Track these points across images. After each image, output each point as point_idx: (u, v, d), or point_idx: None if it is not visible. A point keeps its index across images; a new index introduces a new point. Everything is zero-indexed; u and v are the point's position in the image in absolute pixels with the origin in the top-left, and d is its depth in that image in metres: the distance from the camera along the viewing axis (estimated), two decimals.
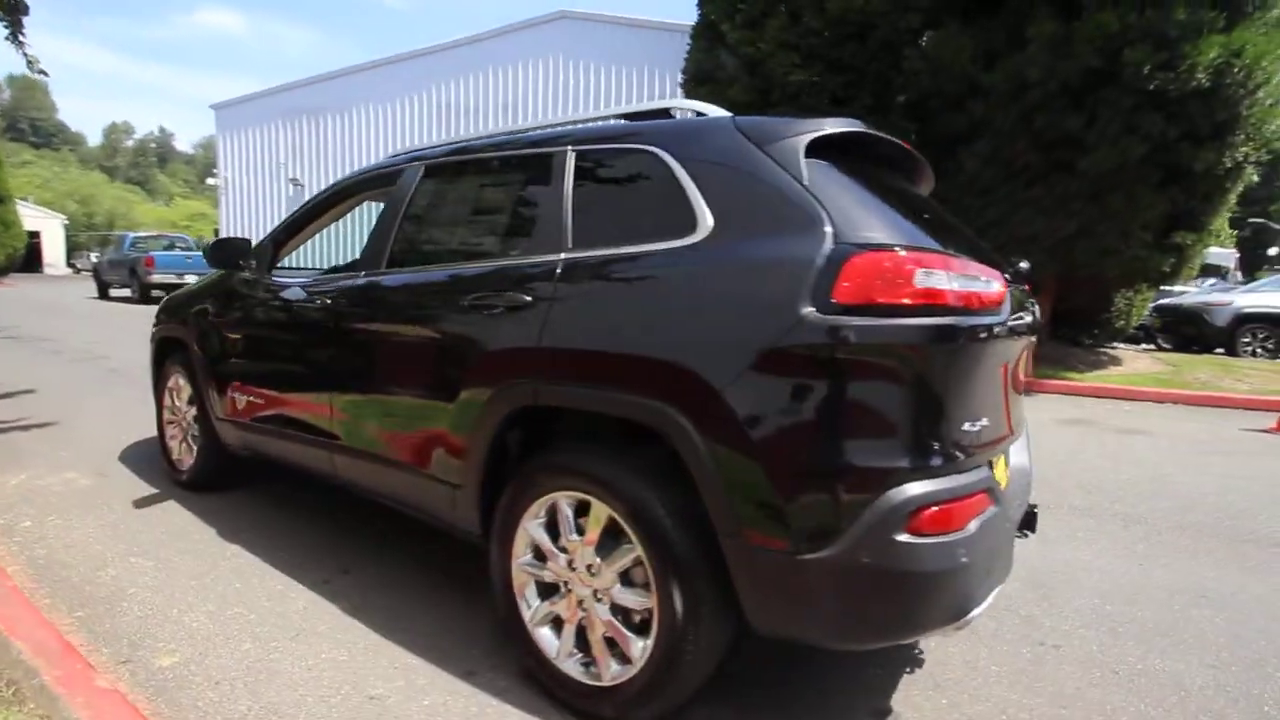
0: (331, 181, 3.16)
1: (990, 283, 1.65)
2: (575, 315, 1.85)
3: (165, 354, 3.74)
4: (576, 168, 2.07)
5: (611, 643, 1.80)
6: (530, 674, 1.97)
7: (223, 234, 23.71)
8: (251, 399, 3.02)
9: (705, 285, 1.66)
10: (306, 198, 3.20)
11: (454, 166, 2.52)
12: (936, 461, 1.52)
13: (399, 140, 19.51)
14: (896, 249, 1.54)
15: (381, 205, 3.71)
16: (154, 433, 4.47)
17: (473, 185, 2.46)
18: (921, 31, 7.80)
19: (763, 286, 1.58)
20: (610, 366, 1.76)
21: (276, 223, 3.32)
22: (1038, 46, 7.12)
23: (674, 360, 1.63)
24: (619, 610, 1.79)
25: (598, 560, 1.79)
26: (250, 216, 22.69)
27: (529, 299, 1.95)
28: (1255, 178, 8.17)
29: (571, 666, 1.87)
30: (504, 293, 2.01)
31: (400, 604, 2.42)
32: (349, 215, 3.31)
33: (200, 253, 17.82)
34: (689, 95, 10.11)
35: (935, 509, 1.49)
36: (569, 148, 2.11)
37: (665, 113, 2.20)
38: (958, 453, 1.57)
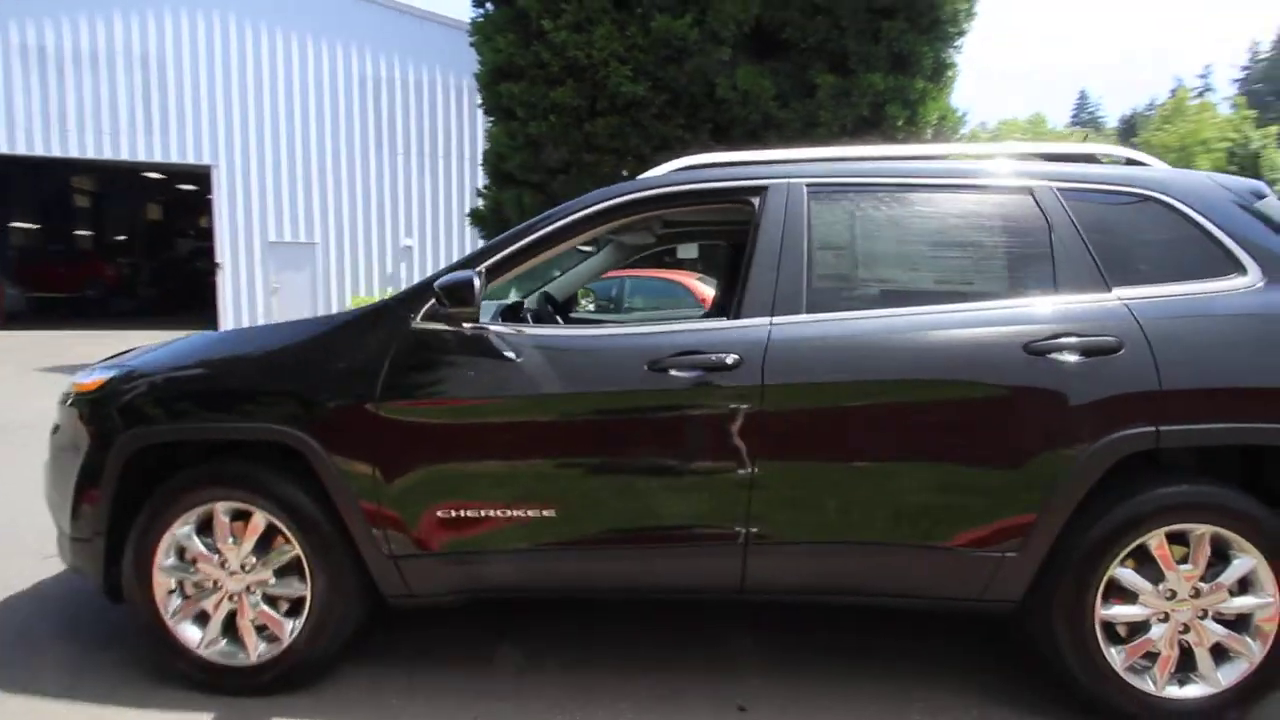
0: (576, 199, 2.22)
1: None
2: (1186, 353, 1.92)
3: (152, 474, 2.13)
4: (1073, 208, 2.07)
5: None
6: None
7: None
8: (516, 513, 1.98)
9: None
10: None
11: (866, 191, 2.16)
12: None
13: None
14: None
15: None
16: None
17: (905, 214, 2.14)
18: (732, 64, 8.69)
19: None
20: (1236, 401, 1.91)
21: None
22: (825, 93, 8.65)
23: None
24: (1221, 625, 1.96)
25: (1205, 586, 1.93)
26: None
27: (1113, 340, 1.92)
28: None
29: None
30: (1075, 336, 1.93)
31: None
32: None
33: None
34: (488, 89, 9.35)
35: None
36: (1049, 184, 2.12)
37: (1091, 157, 2.30)
38: None
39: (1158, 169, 2.25)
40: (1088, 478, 1.89)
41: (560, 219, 2.16)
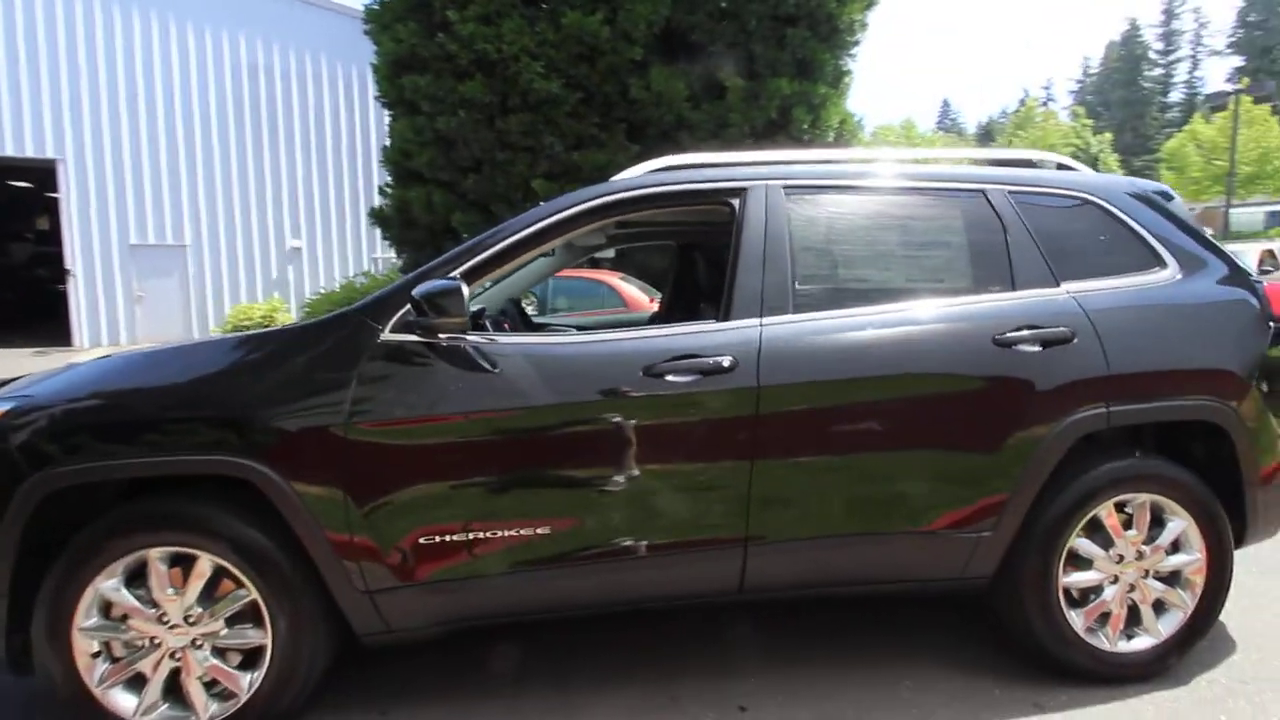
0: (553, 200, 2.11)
1: None
2: (1127, 340, 2.10)
3: (56, 521, 1.82)
4: (1022, 209, 2.22)
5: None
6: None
7: None
8: (507, 533, 1.87)
9: (1214, 311, 2.22)
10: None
11: (839, 193, 2.22)
12: None
13: None
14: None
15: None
16: None
17: (875, 215, 2.22)
18: (645, 64, 8.71)
19: (1246, 312, 2.23)
20: (1169, 381, 2.12)
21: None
22: (735, 96, 8.85)
23: (1223, 369, 2.14)
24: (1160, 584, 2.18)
25: (1147, 549, 2.15)
26: None
27: (1067, 330, 2.08)
28: None
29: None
30: (1035, 329, 2.07)
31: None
32: None
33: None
34: (389, 81, 8.89)
35: None
36: (1000, 188, 2.26)
37: (1029, 162, 2.48)
38: None
39: (1087, 174, 2.46)
40: (1052, 457, 2.04)
41: (537, 222, 2.05)
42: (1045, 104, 49.20)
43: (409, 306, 1.86)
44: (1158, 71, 55.69)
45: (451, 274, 1.93)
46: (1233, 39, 52.46)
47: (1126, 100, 53.33)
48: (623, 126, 8.95)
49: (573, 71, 8.42)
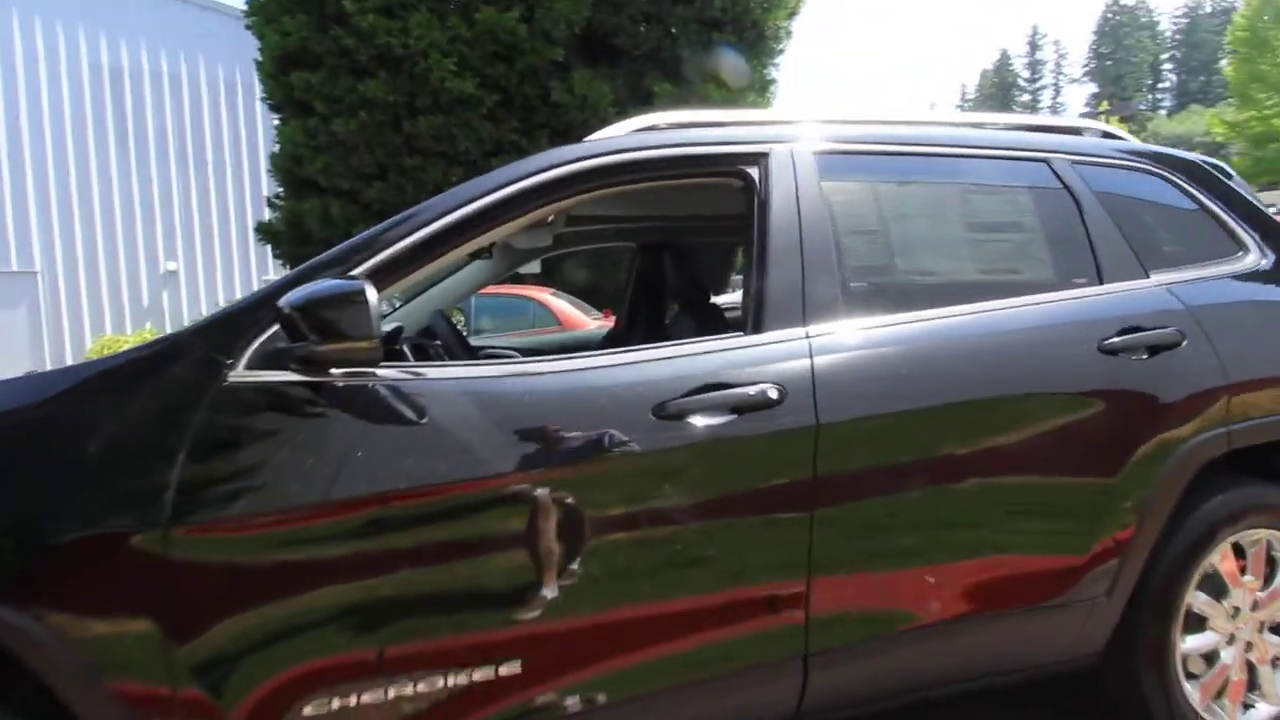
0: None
1: None
2: (1239, 341, 1.71)
3: None
4: (1093, 184, 1.81)
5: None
6: None
7: None
8: (455, 680, 1.17)
9: None
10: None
11: (882, 160, 1.74)
12: None
13: None
14: None
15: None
16: None
17: (931, 188, 1.76)
18: (567, 66, 8.13)
19: None
20: None
21: None
22: (663, 102, 8.43)
23: None
24: None
25: (1263, 595, 1.74)
26: None
27: (1174, 331, 1.65)
28: None
29: None
30: (1140, 331, 1.63)
31: None
32: None
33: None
34: (275, 79, 7.90)
35: None
36: (1064, 157, 1.84)
37: (1076, 130, 2.07)
38: None
39: (1140, 144, 2.07)
40: (1172, 496, 1.60)
41: (473, 201, 1.37)
42: None
43: (276, 327, 1.15)
44: (1026, 97, 61.30)
45: (353, 274, 1.23)
46: (1088, 68, 58.56)
47: None
48: (545, 131, 8.32)
49: (489, 71, 7.73)
